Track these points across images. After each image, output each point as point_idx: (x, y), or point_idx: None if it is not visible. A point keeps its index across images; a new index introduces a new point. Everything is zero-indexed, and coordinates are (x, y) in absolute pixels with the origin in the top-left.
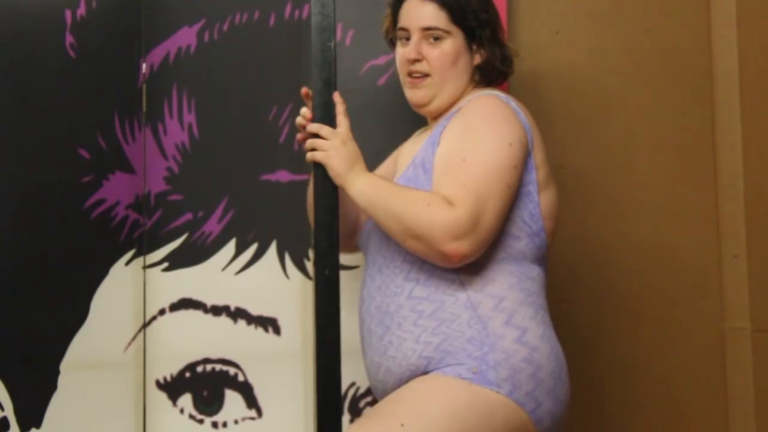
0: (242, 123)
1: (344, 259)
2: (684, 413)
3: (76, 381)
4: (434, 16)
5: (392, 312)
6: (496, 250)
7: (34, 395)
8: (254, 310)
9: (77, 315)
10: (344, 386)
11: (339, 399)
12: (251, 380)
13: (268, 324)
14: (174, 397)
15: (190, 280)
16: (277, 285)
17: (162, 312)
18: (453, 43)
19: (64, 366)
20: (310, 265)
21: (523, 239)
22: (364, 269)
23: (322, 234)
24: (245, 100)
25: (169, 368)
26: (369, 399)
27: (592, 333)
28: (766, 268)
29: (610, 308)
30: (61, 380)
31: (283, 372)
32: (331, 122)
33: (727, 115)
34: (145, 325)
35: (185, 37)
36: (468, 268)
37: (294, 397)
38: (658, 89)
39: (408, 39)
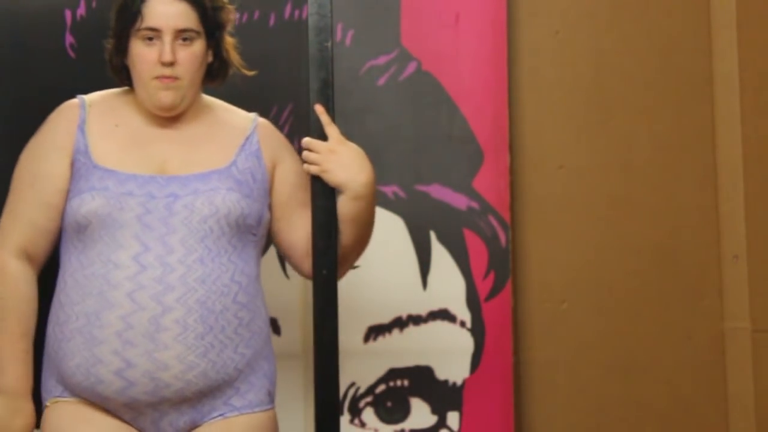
0: None
1: None
2: (684, 413)
3: None
4: (187, 17)
5: (218, 312)
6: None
7: (34, 395)
8: None
9: None
10: (344, 386)
11: (338, 399)
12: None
13: None
14: None
15: None
16: (277, 285)
17: None
18: (201, 44)
19: None
20: None
21: None
22: (147, 249)
23: (319, 233)
24: (245, 100)
25: None
26: (369, 399)
27: (592, 333)
28: (766, 268)
29: (610, 308)
30: None
31: (283, 372)
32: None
33: (727, 115)
34: None
35: None
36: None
37: (294, 397)
38: (658, 89)
39: (152, 39)
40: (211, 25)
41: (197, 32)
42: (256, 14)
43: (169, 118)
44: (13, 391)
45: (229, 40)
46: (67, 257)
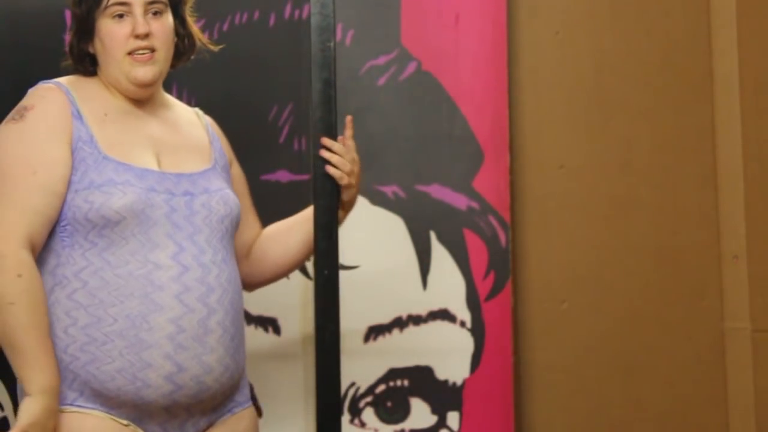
0: (242, 123)
1: (344, 258)
2: (684, 413)
3: None
4: None
5: (238, 311)
6: None
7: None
8: (254, 310)
9: None
10: (344, 386)
11: (339, 399)
12: (251, 380)
13: (268, 324)
14: None
15: None
16: (277, 285)
17: None
18: (169, 16)
19: None
20: (310, 265)
21: None
22: (182, 249)
23: (321, 234)
24: (245, 100)
25: None
26: (369, 399)
27: (592, 333)
28: (766, 268)
29: (610, 308)
30: None
31: (283, 372)
32: (329, 122)
33: (727, 115)
34: None
35: None
36: None
37: (294, 397)
38: (658, 89)
39: (122, 15)
40: (174, 1)
41: (165, 4)
42: (256, 14)
43: (142, 107)
44: (52, 389)
45: (190, 18)
46: (78, 253)
